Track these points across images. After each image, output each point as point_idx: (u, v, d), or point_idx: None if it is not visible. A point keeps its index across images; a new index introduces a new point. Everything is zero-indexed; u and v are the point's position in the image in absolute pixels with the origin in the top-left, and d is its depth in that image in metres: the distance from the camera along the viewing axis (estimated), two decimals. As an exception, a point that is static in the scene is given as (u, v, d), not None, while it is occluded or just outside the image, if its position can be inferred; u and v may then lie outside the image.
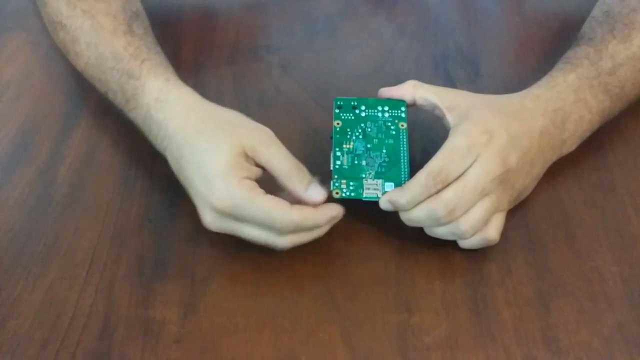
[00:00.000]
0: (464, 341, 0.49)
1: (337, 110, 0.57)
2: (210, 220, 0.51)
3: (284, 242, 0.51)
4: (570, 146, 0.58)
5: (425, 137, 0.60)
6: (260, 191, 0.50)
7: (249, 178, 0.50)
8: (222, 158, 0.50)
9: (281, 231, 0.50)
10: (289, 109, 0.66)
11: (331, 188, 0.53)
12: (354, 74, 0.69)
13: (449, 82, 0.67)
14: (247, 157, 0.51)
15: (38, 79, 0.69)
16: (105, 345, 0.49)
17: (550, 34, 0.73)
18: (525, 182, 0.54)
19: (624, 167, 0.60)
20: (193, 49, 0.72)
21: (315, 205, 0.51)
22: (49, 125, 0.64)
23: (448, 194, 0.49)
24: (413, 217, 0.51)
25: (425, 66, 0.70)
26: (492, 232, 0.52)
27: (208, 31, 0.74)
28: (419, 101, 0.56)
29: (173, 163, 0.54)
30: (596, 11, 0.65)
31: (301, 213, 0.50)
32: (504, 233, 0.54)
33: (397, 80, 0.57)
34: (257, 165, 0.51)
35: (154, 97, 0.55)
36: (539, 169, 0.56)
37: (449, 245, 0.53)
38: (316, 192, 0.51)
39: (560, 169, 0.58)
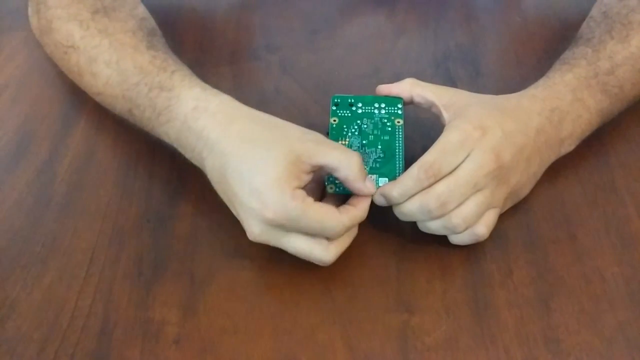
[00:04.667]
0: (465, 342, 0.48)
1: (334, 108, 0.57)
2: (258, 231, 0.50)
3: (329, 254, 0.50)
4: (568, 146, 0.58)
5: (425, 137, 0.60)
6: (311, 200, 0.49)
7: (300, 187, 0.49)
8: (276, 168, 0.48)
9: (333, 237, 0.50)
10: (289, 108, 0.65)
11: (325, 183, 0.53)
12: (354, 74, 0.69)
13: (450, 81, 0.67)
14: (300, 164, 0.49)
15: (37, 78, 0.69)
16: (104, 346, 0.48)
17: (551, 33, 0.73)
18: (522, 180, 0.54)
19: (625, 167, 0.60)
20: (193, 49, 0.72)
21: (369, 195, 0.51)
22: (48, 125, 0.64)
23: (440, 187, 0.49)
24: (405, 210, 0.51)
25: (426, 65, 0.69)
26: (482, 227, 0.51)
27: (208, 31, 0.74)
28: (416, 99, 0.56)
29: (214, 173, 0.52)
30: (594, 11, 0.64)
31: (349, 216, 0.50)
32: (505, 233, 0.54)
33: (397, 80, 0.57)
34: (308, 172, 0.50)
35: (191, 107, 0.53)
36: (536, 168, 0.56)
37: (450, 246, 0.53)
38: (371, 183, 0.51)
39: (561, 169, 0.58)
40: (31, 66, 0.70)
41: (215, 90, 0.55)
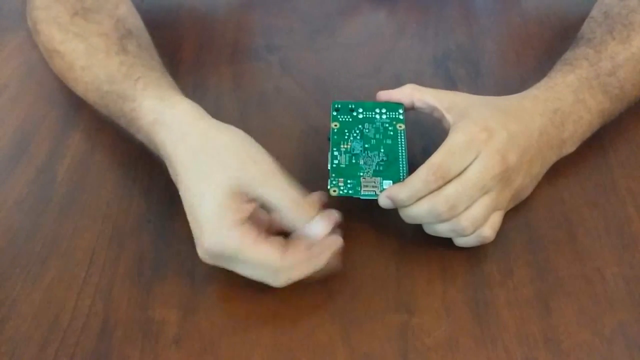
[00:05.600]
0: (465, 342, 0.48)
1: (334, 113, 0.57)
2: (203, 256, 0.49)
3: (279, 281, 0.48)
4: (570, 147, 0.58)
5: (425, 137, 0.60)
6: (252, 237, 0.47)
7: (242, 219, 0.47)
8: (212, 202, 0.47)
9: (275, 274, 0.48)
10: (289, 108, 0.65)
11: (328, 186, 0.52)
12: (354, 74, 0.69)
13: (450, 81, 0.67)
14: (240, 194, 0.47)
15: (37, 78, 0.69)
16: (104, 346, 0.48)
17: (551, 33, 0.73)
18: (524, 181, 0.54)
19: (626, 167, 0.60)
20: (193, 49, 0.72)
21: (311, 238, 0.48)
22: (47, 125, 0.64)
23: (449, 190, 0.49)
24: (413, 213, 0.50)
25: (426, 66, 0.69)
26: (488, 229, 0.51)
27: (208, 31, 0.74)
28: (417, 104, 0.56)
29: (175, 184, 0.52)
30: (595, 12, 0.64)
31: (295, 257, 0.47)
32: (506, 234, 0.54)
33: (398, 80, 0.58)
34: (249, 201, 0.48)
35: (151, 120, 0.53)
36: (538, 169, 0.56)
37: (450, 246, 0.53)
38: (318, 228, 0.48)
39: (561, 169, 0.58)
40: (31, 66, 0.70)
41: (174, 99, 0.54)
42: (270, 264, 0.47)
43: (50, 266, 0.53)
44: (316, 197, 0.51)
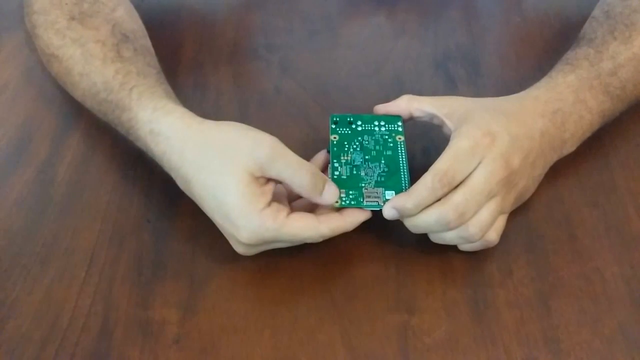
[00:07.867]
0: (465, 342, 0.48)
1: (333, 126, 0.57)
2: (243, 250, 0.51)
3: (322, 238, 0.51)
4: (570, 147, 0.58)
5: (425, 137, 0.60)
6: (284, 215, 0.49)
7: (267, 202, 0.49)
8: (234, 195, 0.48)
9: (314, 243, 0.51)
10: (289, 108, 0.65)
11: None
12: (354, 74, 0.69)
13: (450, 81, 0.67)
14: (256, 180, 0.49)
15: (37, 78, 0.69)
16: (104, 346, 0.48)
17: (551, 33, 0.73)
18: (527, 183, 0.54)
19: (625, 167, 0.60)
20: (193, 49, 0.72)
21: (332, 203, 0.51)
22: (47, 125, 0.64)
23: (457, 198, 0.49)
24: (421, 222, 0.50)
25: (426, 66, 0.69)
26: (492, 233, 0.51)
27: (208, 31, 0.74)
28: (416, 113, 0.56)
29: (187, 192, 0.53)
30: (597, 11, 0.64)
31: (330, 227, 0.50)
32: (506, 233, 0.54)
33: (398, 80, 0.57)
34: (268, 182, 0.50)
35: (147, 130, 0.53)
36: (540, 171, 0.55)
37: (450, 247, 0.52)
38: (330, 194, 0.50)
39: (561, 169, 0.58)
40: (31, 66, 0.70)
41: (167, 108, 0.54)
42: (309, 234, 0.49)
43: (50, 266, 0.53)
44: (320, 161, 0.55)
